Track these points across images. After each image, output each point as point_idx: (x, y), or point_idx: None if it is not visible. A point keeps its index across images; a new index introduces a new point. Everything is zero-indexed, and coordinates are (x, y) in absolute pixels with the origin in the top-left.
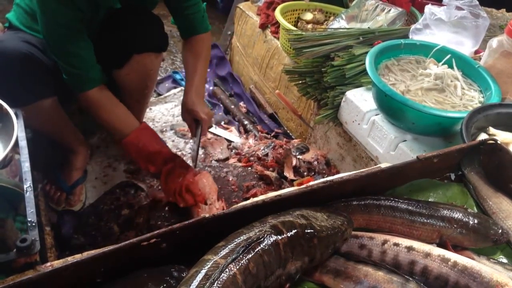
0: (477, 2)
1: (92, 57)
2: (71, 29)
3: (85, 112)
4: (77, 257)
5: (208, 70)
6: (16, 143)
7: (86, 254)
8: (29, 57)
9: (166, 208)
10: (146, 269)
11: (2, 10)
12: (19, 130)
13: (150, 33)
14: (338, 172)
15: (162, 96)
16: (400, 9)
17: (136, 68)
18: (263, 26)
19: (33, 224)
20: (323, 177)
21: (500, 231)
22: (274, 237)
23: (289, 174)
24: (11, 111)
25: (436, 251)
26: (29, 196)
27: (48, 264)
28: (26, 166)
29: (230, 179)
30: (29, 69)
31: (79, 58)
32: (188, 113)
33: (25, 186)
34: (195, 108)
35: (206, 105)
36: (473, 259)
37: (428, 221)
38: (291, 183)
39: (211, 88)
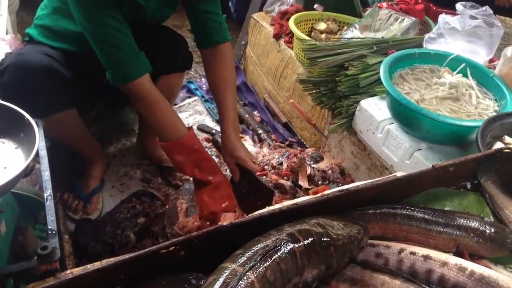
0: (491, 11)
1: (134, 42)
2: (111, 16)
3: (105, 117)
4: (97, 264)
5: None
6: (37, 153)
7: (106, 262)
8: (49, 69)
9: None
10: (165, 277)
11: (20, 21)
12: (40, 140)
13: (176, 54)
14: (352, 181)
15: (177, 106)
16: (414, 19)
17: (162, 88)
18: (277, 36)
19: (54, 232)
20: (338, 186)
21: None
22: (291, 245)
23: (303, 183)
24: (33, 122)
25: (453, 260)
26: (50, 204)
27: (68, 271)
28: (46, 175)
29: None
30: (50, 82)
31: (127, 42)
32: (230, 157)
33: (45, 195)
34: (240, 155)
35: (244, 146)
36: (489, 268)
37: (444, 230)
38: (305, 191)
39: None
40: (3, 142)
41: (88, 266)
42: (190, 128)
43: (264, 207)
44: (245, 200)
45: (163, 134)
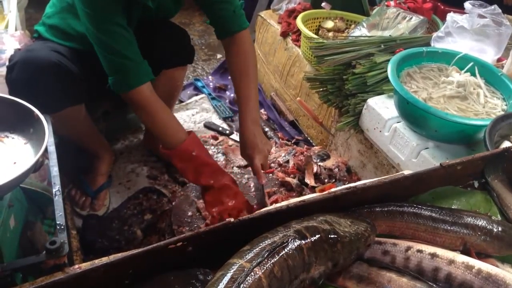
0: (500, 10)
1: (138, 50)
2: (118, 24)
3: (113, 114)
4: (105, 259)
5: (229, 77)
6: (46, 148)
7: (114, 257)
8: (58, 65)
9: (189, 214)
10: (173, 272)
11: (29, 18)
12: (49, 136)
13: (178, 48)
14: (359, 179)
15: (184, 103)
16: (422, 17)
17: (164, 82)
18: (284, 34)
19: (62, 227)
20: (344, 184)
21: None
22: (298, 242)
23: (310, 181)
24: (42, 117)
25: (460, 258)
26: (58, 199)
27: (76, 266)
28: (55, 170)
29: (252, 185)
30: (59, 78)
31: (131, 50)
32: (245, 155)
33: (54, 190)
34: (250, 154)
35: (260, 140)
36: (497, 266)
37: (451, 228)
38: (312, 189)
39: (232, 95)
40: (13, 138)
41: (96, 261)
42: (190, 133)
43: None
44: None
45: (163, 142)
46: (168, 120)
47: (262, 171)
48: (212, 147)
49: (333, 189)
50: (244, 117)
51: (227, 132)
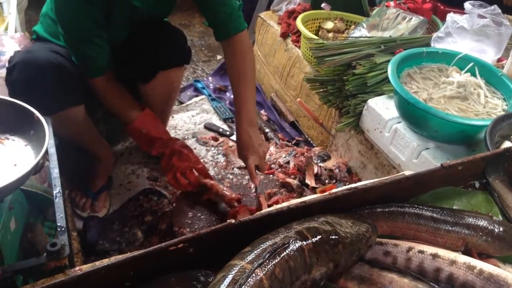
0: (500, 10)
1: (104, 45)
2: (88, 16)
3: (113, 116)
4: (106, 261)
5: None
6: (46, 150)
7: (115, 258)
8: (57, 66)
9: (190, 215)
10: (174, 274)
11: (29, 20)
12: (49, 138)
13: (174, 49)
14: (359, 180)
15: (184, 105)
16: (422, 18)
17: (162, 83)
18: (284, 35)
19: (63, 229)
20: (345, 185)
21: None
22: (299, 243)
23: (310, 182)
24: (42, 119)
25: (462, 258)
26: (59, 201)
27: (77, 268)
28: (55, 172)
29: (252, 186)
30: (58, 78)
31: (91, 45)
32: (241, 156)
33: (54, 192)
34: (246, 155)
35: (255, 141)
36: (498, 267)
37: (453, 228)
38: (312, 190)
39: (232, 96)
40: (13, 140)
41: (97, 263)
42: (144, 110)
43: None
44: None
45: (122, 120)
46: (120, 103)
47: (259, 172)
48: (213, 148)
49: (333, 190)
50: (240, 118)
51: (228, 133)
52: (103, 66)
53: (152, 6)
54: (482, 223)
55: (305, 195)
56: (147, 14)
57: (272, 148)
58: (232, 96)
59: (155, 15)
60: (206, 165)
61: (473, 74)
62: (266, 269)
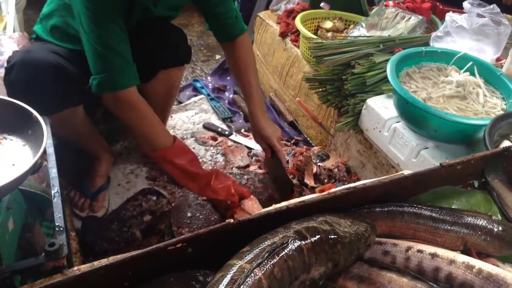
0: (499, 10)
1: (131, 53)
2: (118, 24)
3: (112, 115)
4: (104, 261)
5: (228, 78)
6: (44, 150)
7: (113, 258)
8: (57, 67)
9: (188, 215)
10: (172, 274)
11: (27, 19)
12: (47, 137)
13: (175, 48)
14: (358, 180)
15: (183, 104)
16: (420, 17)
17: (162, 82)
18: (283, 35)
19: (61, 229)
20: (344, 184)
21: None
22: (298, 243)
23: (309, 181)
24: (41, 119)
25: (461, 258)
26: (57, 201)
27: (75, 268)
28: (53, 172)
29: (252, 187)
30: (57, 79)
31: (126, 49)
32: (259, 136)
33: (52, 192)
34: (267, 134)
35: (271, 124)
36: (497, 266)
37: (452, 228)
38: (311, 190)
39: (231, 96)
40: (11, 139)
41: (95, 263)
42: (176, 141)
43: (281, 201)
44: (270, 185)
45: (150, 143)
46: (157, 122)
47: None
48: (212, 148)
49: (332, 190)
50: (253, 103)
51: (227, 132)
52: (136, 74)
53: (163, 11)
54: (481, 222)
55: (304, 195)
56: (156, 17)
57: None
58: (231, 96)
59: (162, 19)
60: (205, 165)
61: (472, 74)
62: (265, 268)
